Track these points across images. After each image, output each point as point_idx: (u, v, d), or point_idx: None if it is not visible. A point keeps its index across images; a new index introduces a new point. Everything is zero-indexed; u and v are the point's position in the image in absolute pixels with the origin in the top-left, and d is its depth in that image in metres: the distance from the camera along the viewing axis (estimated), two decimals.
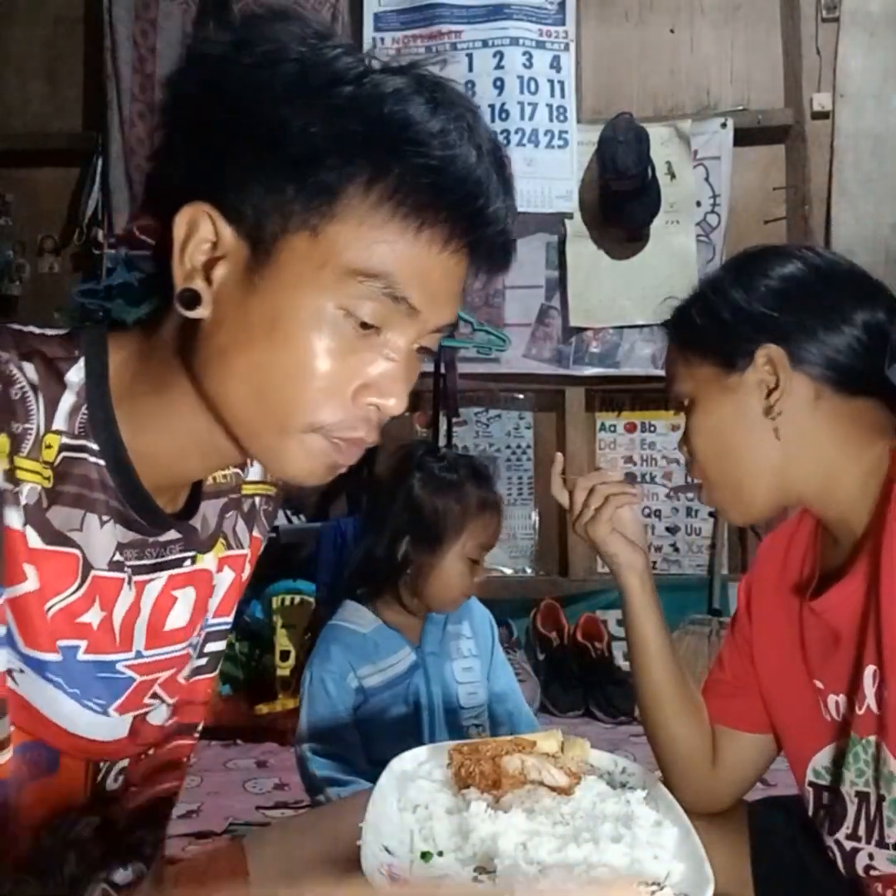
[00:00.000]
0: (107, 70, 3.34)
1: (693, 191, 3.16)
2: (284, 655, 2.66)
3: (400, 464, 1.64)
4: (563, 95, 3.20)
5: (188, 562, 0.84)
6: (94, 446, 0.74)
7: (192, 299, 0.70)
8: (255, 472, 0.94)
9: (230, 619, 0.93)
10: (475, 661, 1.67)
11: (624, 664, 2.95)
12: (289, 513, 3.08)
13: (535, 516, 3.34)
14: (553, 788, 0.83)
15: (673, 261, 3.12)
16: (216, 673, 0.94)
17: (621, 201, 3.04)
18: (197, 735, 0.94)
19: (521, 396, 3.35)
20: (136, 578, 0.79)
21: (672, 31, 3.30)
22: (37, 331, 0.75)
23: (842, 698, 1.02)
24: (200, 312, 0.71)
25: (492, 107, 3.14)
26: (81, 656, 0.76)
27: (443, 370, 2.95)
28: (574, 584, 3.20)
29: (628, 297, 3.14)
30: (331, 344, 0.70)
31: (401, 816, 0.81)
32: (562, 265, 3.22)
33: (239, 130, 0.68)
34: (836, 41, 3.17)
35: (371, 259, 0.68)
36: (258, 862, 1.06)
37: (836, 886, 1.07)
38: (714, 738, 1.19)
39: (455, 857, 0.77)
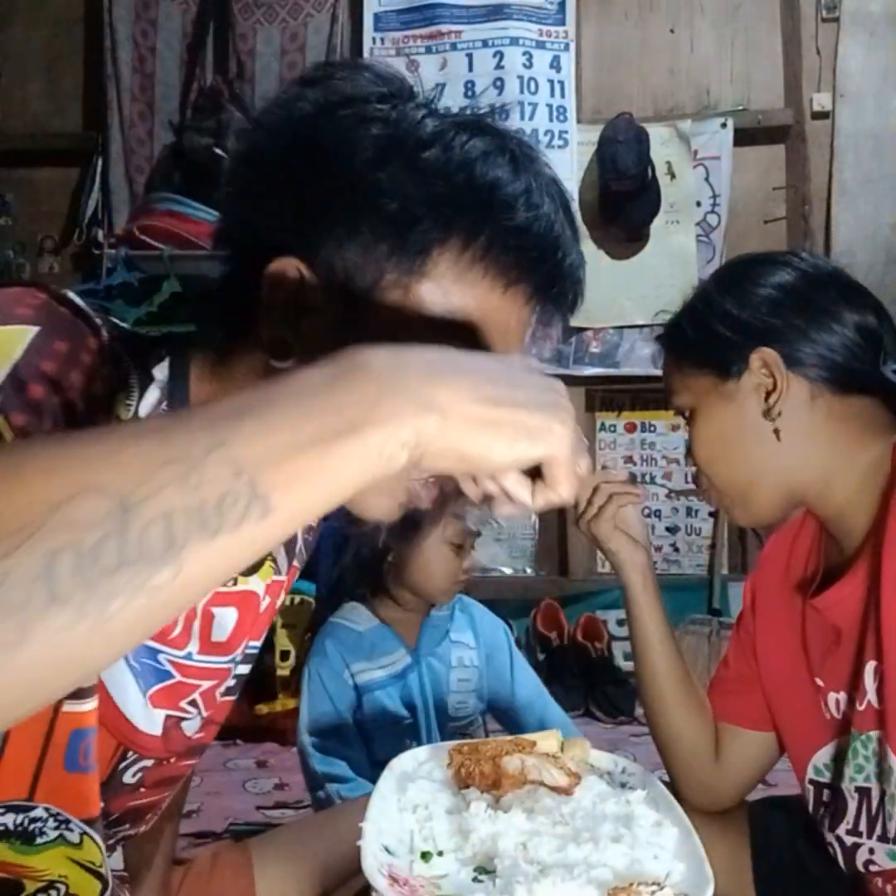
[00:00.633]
0: (107, 70, 3.34)
1: (693, 191, 3.16)
2: (284, 655, 2.66)
3: None
4: (563, 95, 3.20)
5: (231, 582, 0.85)
6: None
7: (283, 349, 0.71)
8: None
9: (260, 643, 0.93)
10: (473, 672, 1.66)
11: (624, 664, 2.96)
12: None
13: (535, 516, 3.34)
14: (553, 788, 0.83)
15: (673, 261, 3.12)
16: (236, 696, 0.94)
17: (621, 201, 3.04)
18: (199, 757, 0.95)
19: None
20: None
21: (672, 31, 3.30)
22: (128, 327, 0.77)
23: (842, 696, 1.03)
24: (288, 363, 0.72)
25: (492, 107, 3.14)
26: None
27: None
28: (574, 584, 3.20)
29: (628, 297, 3.14)
30: None
31: (401, 816, 0.81)
32: None
33: (332, 189, 0.69)
34: (836, 41, 3.17)
35: (458, 316, 0.70)
36: (263, 864, 1.07)
37: (837, 885, 1.07)
38: (718, 736, 1.19)
39: (455, 857, 0.76)
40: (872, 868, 1.01)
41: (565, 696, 2.86)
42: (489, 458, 0.54)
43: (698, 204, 3.17)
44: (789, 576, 1.14)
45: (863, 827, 1.01)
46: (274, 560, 0.91)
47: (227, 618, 0.86)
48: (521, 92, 3.17)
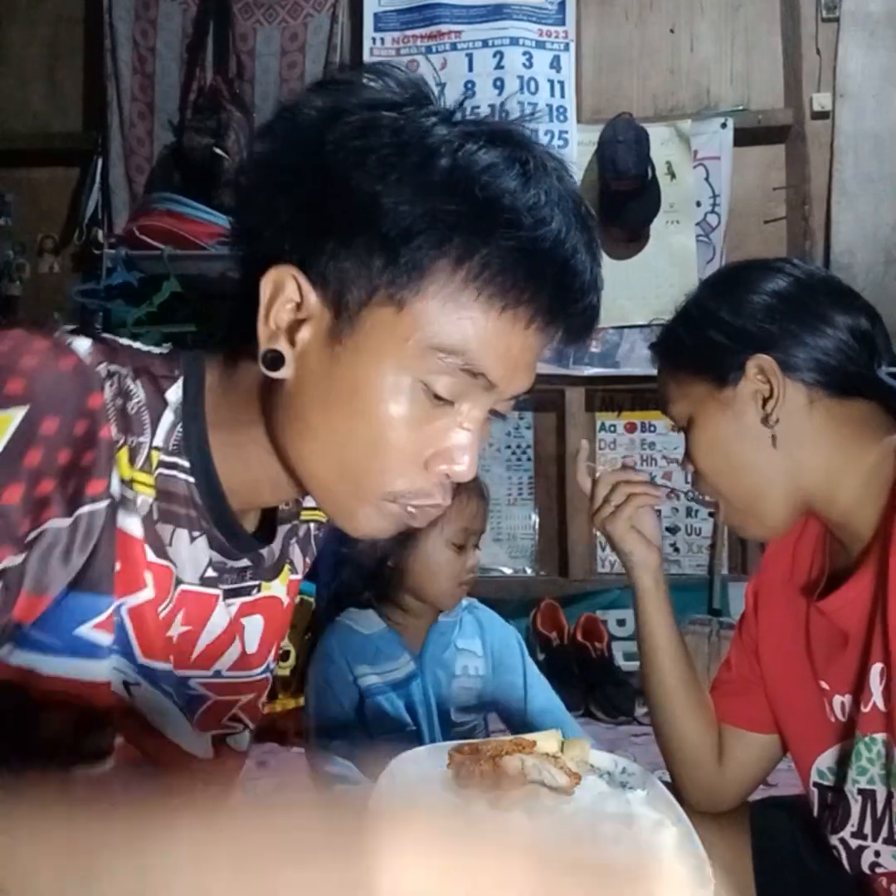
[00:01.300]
0: (107, 70, 3.33)
1: (693, 191, 3.16)
2: (284, 655, 2.66)
3: None
4: (563, 95, 3.20)
5: (255, 590, 0.85)
6: (186, 463, 0.74)
7: (276, 361, 0.71)
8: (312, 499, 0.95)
9: (284, 637, 0.95)
10: (478, 681, 1.62)
11: (624, 664, 2.96)
12: None
13: (535, 516, 3.34)
14: (553, 788, 0.83)
15: (673, 261, 3.12)
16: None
17: (621, 201, 3.04)
18: None
19: (520, 396, 3.34)
20: (222, 596, 0.80)
21: (672, 31, 3.30)
22: (144, 347, 0.76)
23: (847, 699, 1.02)
24: (283, 373, 0.71)
25: (492, 107, 3.14)
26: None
27: None
28: (574, 584, 3.20)
29: (628, 297, 3.14)
30: (408, 415, 0.70)
31: None
32: None
33: (331, 200, 0.68)
34: (836, 41, 3.17)
35: (453, 336, 0.68)
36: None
37: (838, 886, 1.07)
38: (721, 738, 1.19)
39: None
40: (879, 870, 1.01)
41: (565, 696, 2.85)
42: None
43: (698, 204, 3.17)
44: (793, 578, 1.13)
45: (868, 829, 1.01)
46: (291, 562, 0.91)
47: (255, 627, 0.86)
48: (521, 92, 3.17)
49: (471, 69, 3.20)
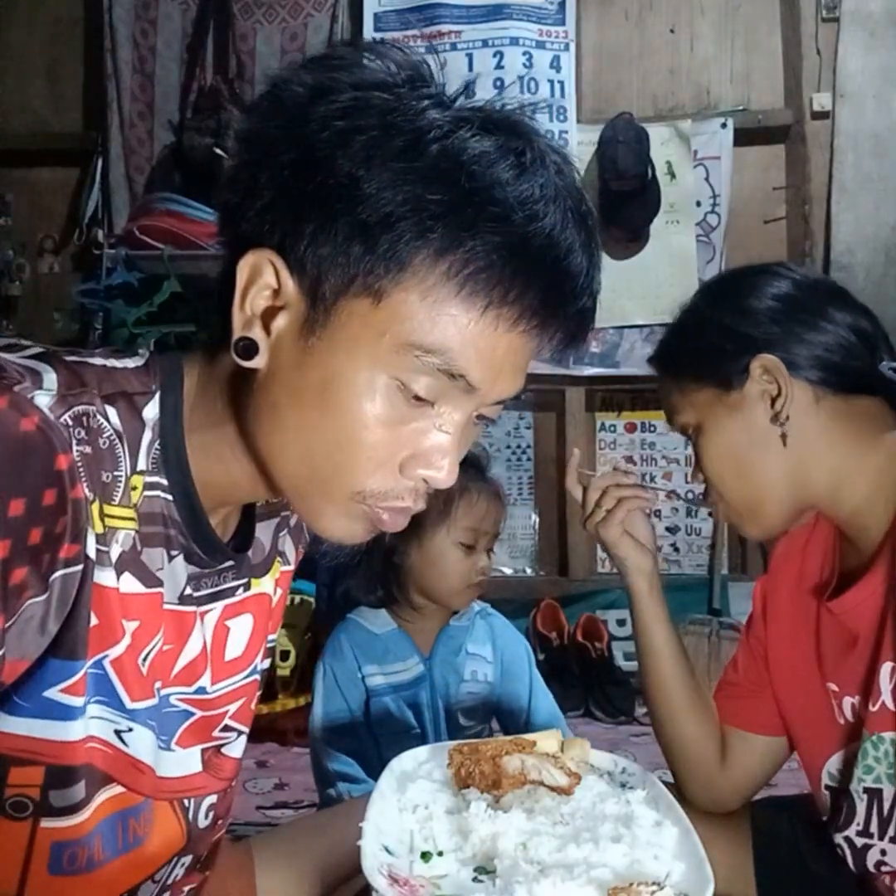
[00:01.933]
0: (107, 70, 3.33)
1: (693, 191, 3.16)
2: (284, 655, 2.66)
3: None
4: (563, 95, 3.20)
5: (241, 589, 0.83)
6: (164, 481, 0.72)
7: (249, 348, 0.68)
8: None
9: (276, 635, 0.92)
10: (486, 687, 1.60)
11: (624, 664, 2.95)
12: None
13: (535, 516, 3.33)
14: (553, 788, 0.83)
15: (673, 261, 3.12)
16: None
17: (621, 201, 3.04)
18: None
19: (521, 396, 3.34)
20: (199, 610, 0.78)
21: (672, 31, 3.30)
22: (118, 364, 0.72)
23: (857, 700, 1.02)
24: (256, 363, 0.68)
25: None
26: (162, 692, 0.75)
27: None
28: (574, 584, 3.20)
29: (628, 297, 3.14)
30: (382, 414, 0.67)
31: (401, 816, 0.81)
32: None
33: (311, 181, 0.64)
34: (836, 41, 3.17)
35: (431, 333, 0.65)
36: (264, 864, 1.06)
37: (839, 886, 1.07)
38: (724, 739, 1.19)
39: (455, 857, 0.76)
40: (884, 868, 1.01)
41: (565, 696, 2.86)
42: None
43: (698, 204, 3.17)
44: (803, 579, 1.13)
45: (874, 828, 1.00)
46: (282, 554, 0.90)
47: (242, 627, 0.84)
48: (521, 92, 3.16)
49: (471, 69, 3.20)
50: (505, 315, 0.66)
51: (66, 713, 0.66)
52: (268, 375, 0.69)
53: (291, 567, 0.92)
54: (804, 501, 1.05)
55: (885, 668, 0.98)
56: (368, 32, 3.26)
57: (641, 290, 3.13)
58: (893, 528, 0.98)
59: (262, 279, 0.67)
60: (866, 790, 1.00)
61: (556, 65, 3.21)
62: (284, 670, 2.64)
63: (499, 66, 3.19)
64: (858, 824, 1.02)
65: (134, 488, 0.70)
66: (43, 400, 0.62)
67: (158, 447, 0.71)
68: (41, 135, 3.46)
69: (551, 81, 3.20)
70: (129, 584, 0.69)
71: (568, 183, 0.68)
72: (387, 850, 0.75)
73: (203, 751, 0.81)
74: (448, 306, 0.65)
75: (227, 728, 0.83)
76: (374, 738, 1.53)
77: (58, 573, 0.61)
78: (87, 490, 0.64)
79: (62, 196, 3.46)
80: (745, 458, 1.05)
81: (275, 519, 0.89)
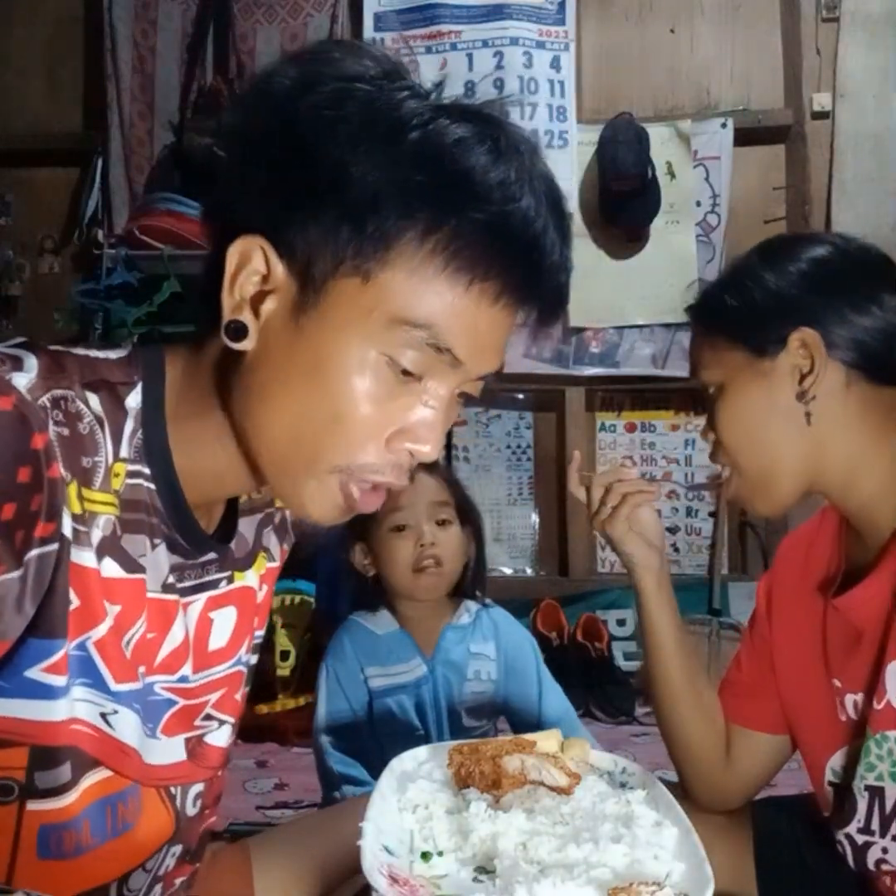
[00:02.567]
0: (107, 70, 3.33)
1: (693, 191, 3.16)
2: (284, 655, 2.66)
3: None
4: (563, 95, 3.20)
5: (224, 582, 0.84)
6: (147, 470, 0.74)
7: (239, 331, 0.70)
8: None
9: (263, 632, 0.93)
10: (490, 686, 1.59)
11: (624, 664, 2.95)
12: None
13: (535, 516, 3.34)
14: (553, 788, 0.83)
15: (673, 261, 3.12)
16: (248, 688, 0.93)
17: (621, 201, 3.04)
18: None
19: (521, 396, 3.34)
20: (182, 600, 0.79)
21: (672, 31, 3.30)
22: (100, 355, 0.74)
23: (860, 697, 1.02)
24: (246, 345, 0.71)
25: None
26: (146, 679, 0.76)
27: None
28: (574, 584, 3.20)
29: (628, 297, 3.14)
30: (371, 389, 0.70)
31: (401, 816, 0.81)
32: None
33: (299, 169, 0.67)
34: (836, 41, 3.17)
35: (418, 309, 0.68)
36: (263, 863, 1.06)
37: (840, 885, 1.07)
38: (729, 737, 1.19)
39: (455, 857, 0.77)
40: (884, 867, 1.01)
41: (565, 695, 2.86)
42: None
43: (698, 204, 3.17)
44: (808, 576, 1.12)
45: (875, 826, 1.00)
46: (266, 550, 0.91)
47: (226, 619, 0.85)
48: (521, 92, 3.16)
49: (471, 69, 3.20)
50: (487, 290, 0.69)
51: (48, 692, 0.67)
52: (257, 357, 0.71)
53: (277, 564, 0.93)
54: (815, 484, 1.03)
55: (892, 667, 0.97)
56: (368, 32, 3.26)
57: (641, 290, 3.13)
58: None
59: (251, 265, 0.70)
60: (868, 788, 1.00)
61: (556, 65, 3.21)
62: (284, 670, 2.64)
63: (499, 66, 3.19)
64: (859, 822, 1.02)
65: (116, 475, 0.71)
66: (21, 381, 0.64)
67: (141, 437, 0.73)
68: (41, 135, 3.46)
69: (551, 81, 3.20)
70: (111, 568, 0.71)
71: (539, 168, 0.72)
72: (387, 850, 0.75)
73: (187, 740, 0.82)
74: (434, 283, 0.68)
75: (208, 717, 0.84)
76: (377, 740, 1.53)
77: (33, 552, 0.63)
78: (63, 470, 0.65)
79: (62, 196, 3.46)
80: (765, 429, 1.02)
81: (258, 514, 0.90)
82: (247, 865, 1.05)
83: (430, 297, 0.68)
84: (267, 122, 0.69)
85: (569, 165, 3.15)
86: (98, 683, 0.71)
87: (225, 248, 0.70)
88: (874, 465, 1.00)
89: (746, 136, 3.18)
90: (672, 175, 3.14)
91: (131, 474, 0.72)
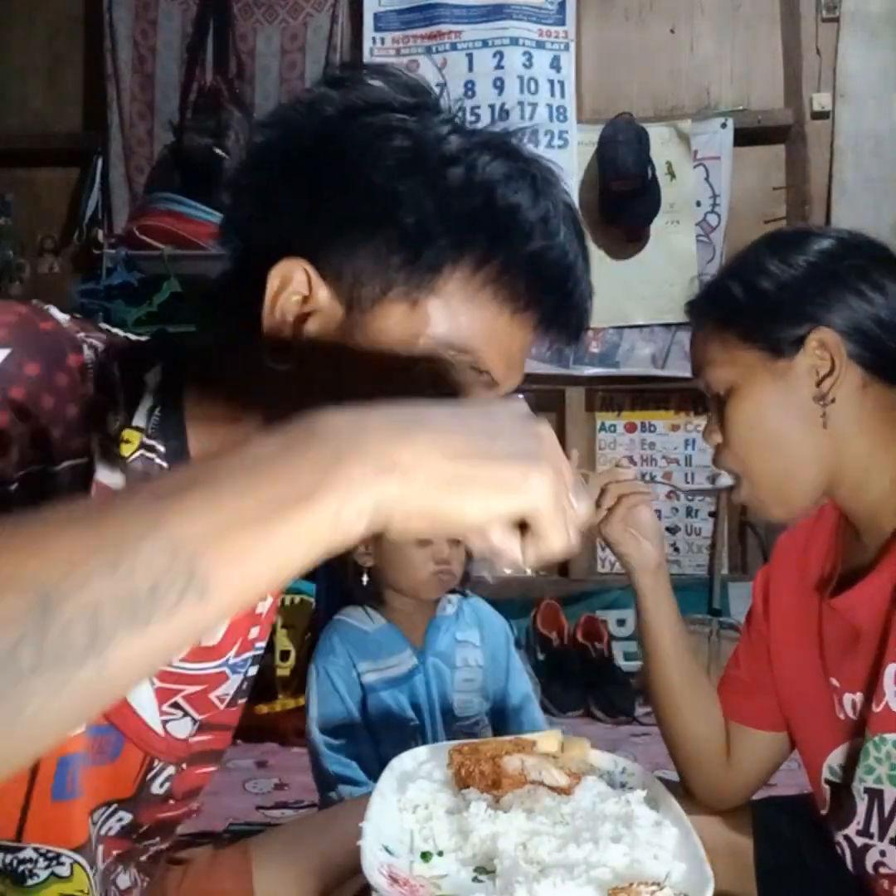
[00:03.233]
0: (107, 70, 3.34)
1: (693, 191, 3.16)
2: (284, 655, 2.66)
3: None
4: (563, 95, 3.20)
5: None
6: (162, 448, 0.74)
7: (280, 351, 0.71)
8: None
9: (264, 643, 0.93)
10: (479, 672, 1.63)
11: (624, 664, 2.96)
12: None
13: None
14: (553, 788, 0.83)
15: (673, 261, 3.12)
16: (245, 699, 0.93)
17: (621, 201, 3.04)
18: (219, 764, 0.94)
19: (520, 396, 3.33)
20: None
21: (672, 31, 3.30)
22: (120, 334, 0.77)
23: (858, 696, 1.02)
24: (287, 365, 0.71)
25: (492, 107, 3.15)
26: None
27: None
28: (574, 584, 3.20)
29: (628, 297, 3.14)
30: None
31: (401, 816, 0.81)
32: None
33: (350, 196, 0.69)
34: (836, 41, 3.17)
35: (465, 334, 0.70)
36: (262, 864, 1.06)
37: (840, 886, 1.07)
38: (728, 735, 1.19)
39: (455, 857, 0.76)
40: (882, 870, 1.00)
41: (565, 696, 2.86)
42: (462, 517, 0.51)
43: (698, 204, 3.17)
44: (804, 574, 1.12)
45: (874, 828, 1.00)
46: None
47: None
48: (521, 92, 3.17)
49: (471, 69, 3.20)
50: (527, 319, 0.73)
51: None
52: (299, 378, 0.72)
53: None
54: (829, 487, 1.01)
55: (890, 670, 0.97)
56: (368, 32, 3.27)
57: (641, 290, 3.13)
58: None
59: (292, 286, 0.70)
60: (867, 790, 1.00)
61: (556, 65, 3.21)
62: (284, 670, 2.64)
63: (499, 66, 3.19)
64: (858, 824, 1.01)
65: (127, 442, 0.72)
66: (60, 314, 0.70)
67: (159, 414, 0.74)
68: (41, 135, 3.46)
69: (551, 81, 3.20)
70: None
71: (567, 201, 0.76)
72: (387, 850, 0.75)
73: (163, 722, 0.83)
74: (481, 312, 0.71)
75: (176, 706, 0.84)
76: (372, 736, 1.54)
77: (66, 464, 0.65)
78: (96, 393, 0.68)
79: (62, 196, 3.46)
80: (780, 432, 1.00)
81: None
82: (247, 865, 1.05)
83: (475, 324, 0.71)
84: (312, 148, 0.71)
85: (569, 165, 3.15)
86: None
87: (251, 264, 0.71)
88: (885, 465, 0.99)
89: (746, 136, 3.18)
90: (672, 175, 3.14)
91: (145, 446, 0.73)
